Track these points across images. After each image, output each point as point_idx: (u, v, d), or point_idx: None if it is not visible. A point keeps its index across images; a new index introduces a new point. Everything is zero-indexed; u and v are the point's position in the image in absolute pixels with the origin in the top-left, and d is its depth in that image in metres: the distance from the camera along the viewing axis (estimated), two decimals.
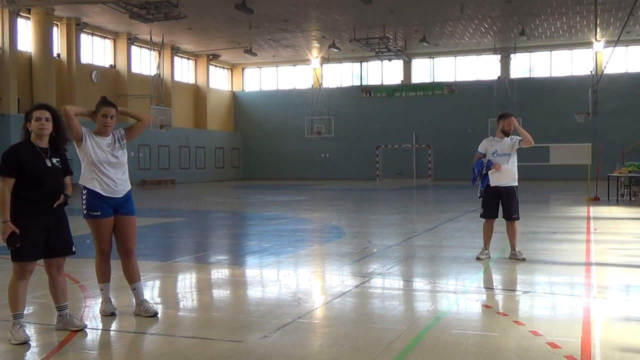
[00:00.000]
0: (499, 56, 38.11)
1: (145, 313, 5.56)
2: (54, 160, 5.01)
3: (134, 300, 5.68)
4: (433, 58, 40.26)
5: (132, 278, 5.70)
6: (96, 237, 5.59)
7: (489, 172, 8.47)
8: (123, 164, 5.64)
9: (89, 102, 31.86)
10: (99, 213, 5.49)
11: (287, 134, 42.43)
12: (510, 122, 8.55)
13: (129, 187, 5.70)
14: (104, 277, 5.70)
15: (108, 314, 5.60)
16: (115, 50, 34.75)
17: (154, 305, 5.72)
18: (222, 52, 40.01)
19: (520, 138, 8.55)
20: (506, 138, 8.62)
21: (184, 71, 40.55)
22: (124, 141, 5.67)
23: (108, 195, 5.51)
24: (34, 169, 4.87)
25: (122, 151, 5.64)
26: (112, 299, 5.75)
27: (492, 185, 8.51)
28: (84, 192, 5.52)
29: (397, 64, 40.80)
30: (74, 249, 5.15)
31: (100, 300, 5.76)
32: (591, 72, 35.06)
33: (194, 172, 39.83)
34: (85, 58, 32.48)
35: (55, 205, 4.99)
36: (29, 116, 4.97)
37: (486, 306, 6.00)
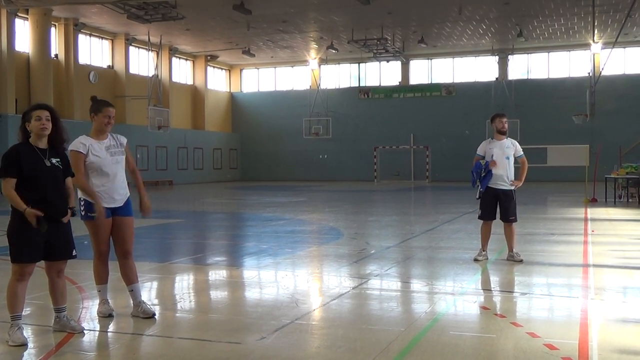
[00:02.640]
0: (497, 57, 38.14)
1: (143, 314, 5.56)
2: (54, 161, 4.98)
3: (132, 302, 5.69)
4: (431, 59, 40.29)
5: (130, 279, 5.70)
6: (94, 238, 5.60)
7: (493, 170, 8.42)
8: (122, 170, 5.67)
9: (86, 102, 31.93)
10: (96, 214, 5.49)
11: (285, 135, 42.42)
12: (503, 121, 8.55)
13: (128, 193, 5.72)
14: (101, 278, 5.70)
15: (106, 316, 5.60)
16: (113, 51, 34.73)
17: (151, 307, 5.71)
18: (220, 53, 40.00)
19: (522, 154, 8.69)
20: (505, 140, 8.60)
21: (182, 72, 40.53)
22: (123, 149, 5.70)
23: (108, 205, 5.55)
24: (34, 169, 4.85)
25: (121, 157, 5.67)
26: (109, 300, 5.74)
27: (490, 186, 8.47)
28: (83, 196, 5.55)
29: (395, 65, 40.82)
30: (74, 253, 5.12)
31: (97, 301, 5.76)
32: (589, 73, 35.12)
33: (191, 173, 39.81)
34: (83, 59, 32.43)
35: (63, 220, 4.98)
36: (27, 116, 4.93)
37: (484, 308, 6.01)
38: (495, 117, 8.67)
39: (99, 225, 5.52)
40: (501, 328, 5.19)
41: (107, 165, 5.53)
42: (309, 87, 41.99)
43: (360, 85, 41.94)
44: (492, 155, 8.50)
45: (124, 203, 5.67)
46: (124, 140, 5.77)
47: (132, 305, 5.68)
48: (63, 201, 5.02)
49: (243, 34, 33.30)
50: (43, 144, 4.97)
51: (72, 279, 7.13)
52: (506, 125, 8.60)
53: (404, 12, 29.66)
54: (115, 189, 5.58)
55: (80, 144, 5.49)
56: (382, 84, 41.62)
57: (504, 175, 8.50)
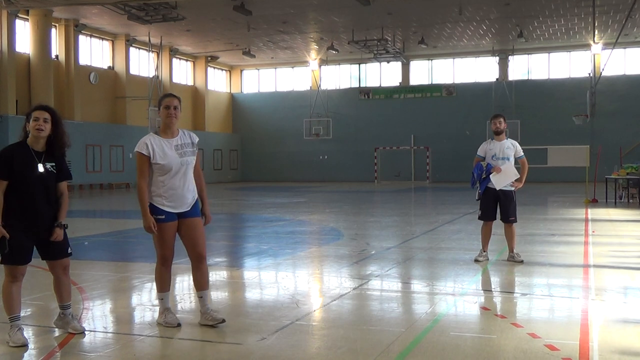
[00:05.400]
0: (497, 58, 38.14)
1: (211, 321, 5.21)
2: (48, 165, 4.87)
3: (200, 309, 5.37)
4: (431, 60, 40.28)
5: (202, 285, 5.38)
6: (159, 242, 5.27)
7: (491, 175, 8.43)
8: (191, 171, 5.32)
9: (87, 103, 31.94)
10: (163, 217, 5.19)
11: (286, 135, 42.41)
12: (496, 122, 8.54)
13: (196, 196, 5.41)
14: (165, 285, 5.36)
15: (174, 325, 5.23)
16: (113, 52, 34.74)
17: (217, 313, 5.38)
18: (221, 54, 40.01)
19: (522, 155, 8.67)
20: (505, 141, 8.59)
21: (182, 73, 40.54)
22: (195, 148, 5.36)
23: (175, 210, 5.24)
24: (24, 173, 4.76)
25: (192, 157, 5.30)
26: (170, 308, 5.42)
27: (497, 188, 8.46)
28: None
29: (396, 66, 40.81)
30: (69, 251, 5.06)
31: (99, 302, 5.73)
32: (589, 74, 35.07)
33: None
34: (84, 59, 32.45)
35: (52, 239, 4.86)
36: (28, 116, 4.87)
37: (484, 308, 6.00)
38: (490, 119, 8.70)
39: (165, 228, 5.19)
40: (502, 329, 5.19)
41: (175, 167, 5.16)
42: (309, 88, 41.98)
43: (361, 86, 41.92)
44: (493, 156, 8.49)
45: (191, 207, 5.35)
46: (195, 138, 5.39)
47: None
48: (52, 211, 4.91)
49: (243, 34, 33.31)
50: (40, 146, 4.87)
51: (73, 279, 7.12)
52: (500, 126, 8.52)
53: (404, 13, 29.67)
54: (184, 193, 5.25)
55: (143, 144, 5.15)
56: (382, 85, 41.61)
57: (509, 176, 8.52)
